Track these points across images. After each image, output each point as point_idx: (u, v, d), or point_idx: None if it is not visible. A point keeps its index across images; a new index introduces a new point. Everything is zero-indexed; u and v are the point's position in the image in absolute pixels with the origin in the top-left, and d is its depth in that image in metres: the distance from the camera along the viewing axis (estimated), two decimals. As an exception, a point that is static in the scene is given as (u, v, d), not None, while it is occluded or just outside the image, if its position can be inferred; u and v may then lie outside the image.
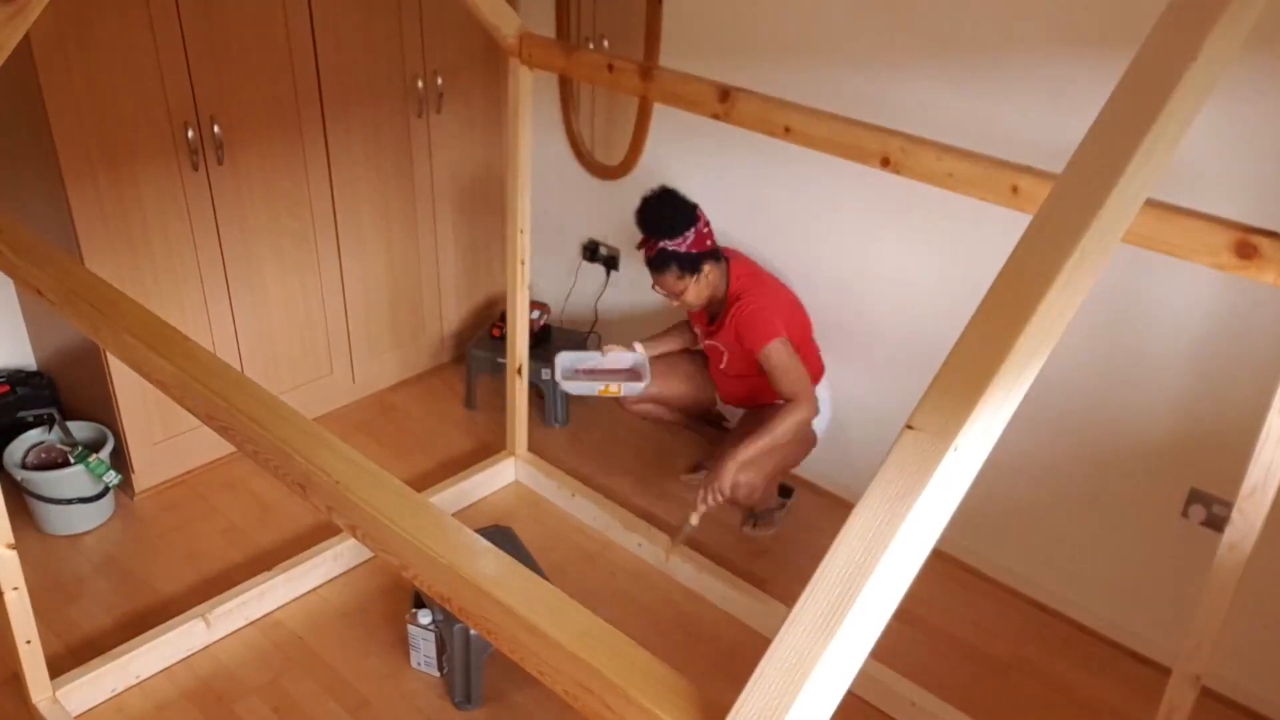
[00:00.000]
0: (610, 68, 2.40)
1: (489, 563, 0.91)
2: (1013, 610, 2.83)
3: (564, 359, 3.03)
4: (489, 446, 3.40)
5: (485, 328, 3.71)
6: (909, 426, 0.73)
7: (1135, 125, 0.75)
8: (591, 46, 3.36)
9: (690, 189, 3.25)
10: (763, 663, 0.69)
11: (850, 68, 2.71)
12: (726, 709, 0.71)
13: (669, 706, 0.75)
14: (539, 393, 3.58)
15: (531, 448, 3.32)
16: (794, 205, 3.00)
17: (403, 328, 3.63)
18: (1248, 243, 1.60)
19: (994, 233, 2.44)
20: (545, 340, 3.56)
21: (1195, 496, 2.48)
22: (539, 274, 3.92)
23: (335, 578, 2.84)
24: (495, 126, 3.64)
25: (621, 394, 2.95)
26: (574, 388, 2.96)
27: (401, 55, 3.23)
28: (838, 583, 0.69)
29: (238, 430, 1.15)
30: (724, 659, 2.61)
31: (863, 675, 2.48)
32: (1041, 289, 0.72)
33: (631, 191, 3.43)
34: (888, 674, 2.51)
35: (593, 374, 3.00)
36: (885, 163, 1.99)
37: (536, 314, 3.57)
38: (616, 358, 3.03)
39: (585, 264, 3.68)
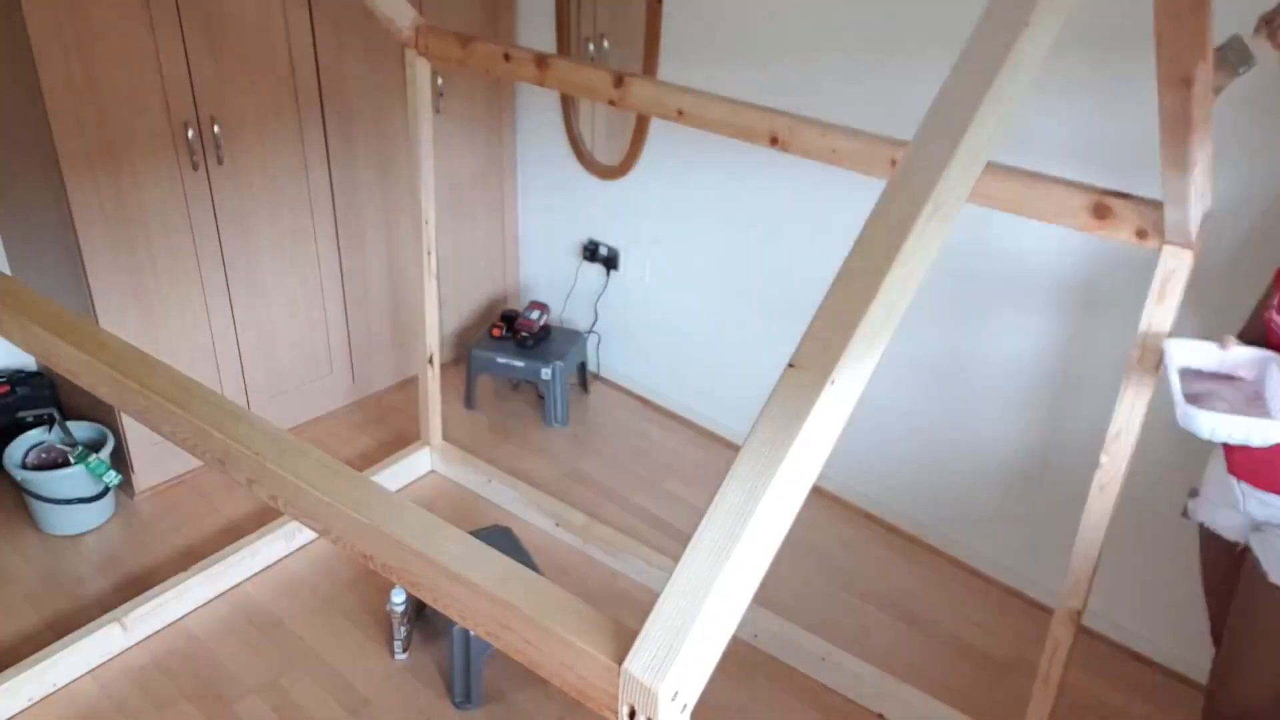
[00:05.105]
0: (507, 57, 2.45)
1: (408, 518, 0.94)
2: (1013, 610, 2.83)
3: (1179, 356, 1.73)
4: (490, 446, 3.40)
5: (485, 328, 3.71)
6: (791, 365, 0.77)
7: (976, 86, 0.84)
8: (591, 47, 3.36)
9: (690, 188, 3.25)
10: (668, 586, 0.74)
11: (852, 68, 2.71)
12: (637, 635, 0.75)
13: (583, 634, 0.79)
14: (539, 393, 3.58)
15: (534, 449, 3.31)
16: (794, 203, 3.00)
17: (403, 327, 3.63)
18: (1103, 204, 1.72)
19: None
20: (545, 340, 3.57)
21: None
22: (539, 273, 3.92)
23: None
24: (495, 126, 3.64)
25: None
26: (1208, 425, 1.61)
27: (401, 54, 3.23)
28: (732, 509, 0.74)
29: (152, 411, 1.16)
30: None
31: (848, 672, 2.50)
32: (901, 236, 0.79)
33: (631, 191, 3.43)
34: (882, 674, 2.52)
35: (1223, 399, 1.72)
36: (774, 141, 2.09)
37: (537, 314, 3.57)
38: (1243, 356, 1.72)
39: (585, 264, 3.68)
